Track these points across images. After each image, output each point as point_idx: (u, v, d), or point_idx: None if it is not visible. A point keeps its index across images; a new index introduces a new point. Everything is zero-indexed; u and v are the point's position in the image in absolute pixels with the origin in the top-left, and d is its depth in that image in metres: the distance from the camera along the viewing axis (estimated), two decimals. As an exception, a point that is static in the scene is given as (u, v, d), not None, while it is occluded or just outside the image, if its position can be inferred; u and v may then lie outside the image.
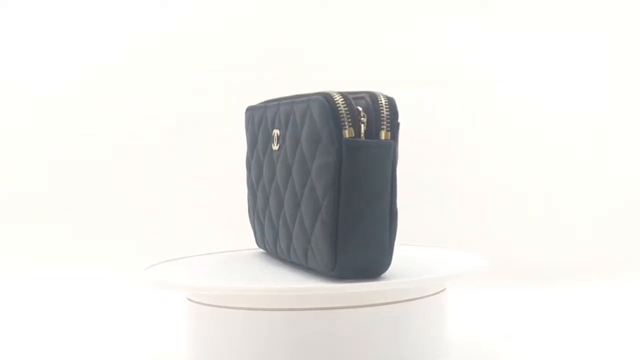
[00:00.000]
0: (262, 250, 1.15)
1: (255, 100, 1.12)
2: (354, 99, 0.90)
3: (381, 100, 0.90)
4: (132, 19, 1.73)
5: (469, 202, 1.61)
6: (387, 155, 0.89)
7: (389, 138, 0.89)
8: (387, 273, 0.97)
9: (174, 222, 1.63)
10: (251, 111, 1.11)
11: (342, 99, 0.89)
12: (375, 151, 0.88)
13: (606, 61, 1.67)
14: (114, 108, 1.70)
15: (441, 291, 1.00)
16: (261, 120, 1.06)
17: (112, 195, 1.66)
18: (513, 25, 1.68)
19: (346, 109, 0.89)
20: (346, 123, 0.89)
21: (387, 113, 0.89)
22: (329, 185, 0.89)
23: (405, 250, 1.12)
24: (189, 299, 1.00)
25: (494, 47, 1.68)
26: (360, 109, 0.89)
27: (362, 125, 0.89)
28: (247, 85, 1.65)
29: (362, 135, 0.89)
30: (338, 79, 1.64)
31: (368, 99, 0.90)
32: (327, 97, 0.90)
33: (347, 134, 0.88)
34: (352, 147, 0.88)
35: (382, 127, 0.89)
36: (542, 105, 1.66)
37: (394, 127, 0.90)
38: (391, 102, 0.90)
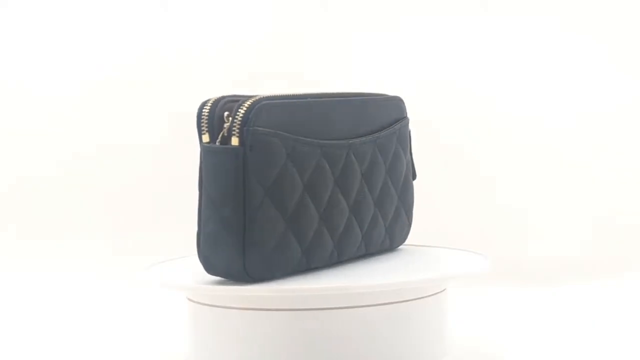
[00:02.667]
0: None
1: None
2: (229, 102, 0.91)
3: (243, 106, 0.90)
4: (130, 24, 1.73)
5: (469, 202, 1.61)
6: (233, 162, 0.89)
7: (238, 144, 0.89)
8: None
9: (174, 221, 1.62)
10: None
11: (210, 104, 0.91)
12: (220, 157, 0.89)
13: (608, 62, 1.67)
14: (115, 107, 1.70)
15: (441, 291, 1.00)
16: None
17: (112, 194, 1.66)
18: (513, 27, 1.68)
19: (207, 113, 0.91)
20: (204, 128, 0.91)
21: (240, 119, 0.89)
22: (198, 189, 0.92)
23: (406, 250, 1.12)
24: (189, 299, 1.00)
25: (493, 46, 1.68)
26: (226, 114, 0.90)
27: (224, 130, 0.89)
28: (247, 84, 1.65)
29: (219, 141, 0.90)
30: (332, 80, 1.64)
31: (237, 104, 0.90)
32: (202, 102, 0.92)
33: (204, 139, 0.91)
34: (205, 151, 0.91)
35: (233, 133, 0.89)
36: (542, 104, 1.66)
37: (244, 134, 0.89)
38: (249, 108, 0.89)
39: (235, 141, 0.89)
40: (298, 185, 0.93)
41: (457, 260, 1.05)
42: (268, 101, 0.91)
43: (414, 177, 1.12)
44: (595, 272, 1.49)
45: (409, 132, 1.10)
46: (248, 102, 0.90)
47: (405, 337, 0.96)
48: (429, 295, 0.98)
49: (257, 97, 0.91)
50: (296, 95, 0.95)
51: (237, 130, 0.89)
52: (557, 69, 1.67)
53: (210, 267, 0.92)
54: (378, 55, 1.69)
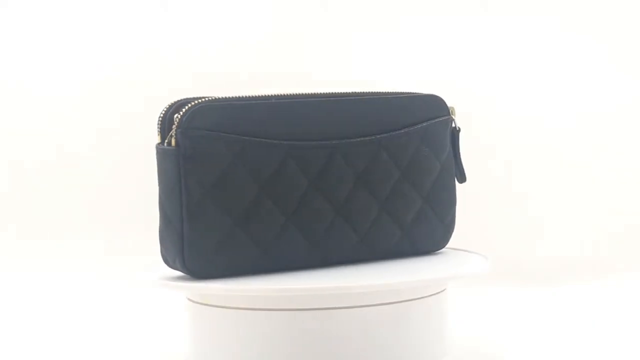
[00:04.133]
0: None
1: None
2: (182, 104, 0.94)
3: (183, 109, 0.93)
4: (130, 24, 1.73)
5: (469, 202, 1.61)
6: (171, 162, 0.93)
7: (174, 146, 0.93)
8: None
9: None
10: None
11: (167, 106, 0.95)
12: (162, 157, 0.95)
13: (608, 62, 1.67)
14: (115, 107, 1.70)
15: (441, 291, 1.00)
16: None
17: (112, 194, 1.66)
18: (513, 27, 1.68)
19: (162, 116, 0.95)
20: (158, 129, 0.96)
21: (177, 122, 0.93)
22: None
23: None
24: (189, 299, 1.00)
25: (493, 46, 1.68)
26: (175, 116, 0.93)
27: (171, 132, 0.94)
28: (247, 85, 1.65)
29: (166, 141, 0.94)
30: (332, 80, 1.64)
31: (184, 106, 0.94)
32: (166, 104, 0.96)
33: (157, 139, 0.96)
34: (155, 152, 0.96)
35: (172, 135, 0.93)
36: (544, 104, 1.66)
37: (178, 136, 0.93)
38: (186, 112, 0.93)
39: (174, 142, 0.93)
40: (250, 185, 0.94)
41: (457, 260, 1.05)
42: (209, 104, 0.94)
43: (462, 179, 1.10)
44: (595, 272, 1.49)
45: (456, 130, 1.08)
46: (188, 105, 0.93)
47: (405, 337, 0.96)
48: (429, 295, 0.98)
49: (200, 100, 0.94)
50: (259, 97, 0.97)
51: (175, 133, 0.93)
52: (557, 69, 1.67)
53: (165, 261, 0.98)
54: (378, 55, 1.69)
